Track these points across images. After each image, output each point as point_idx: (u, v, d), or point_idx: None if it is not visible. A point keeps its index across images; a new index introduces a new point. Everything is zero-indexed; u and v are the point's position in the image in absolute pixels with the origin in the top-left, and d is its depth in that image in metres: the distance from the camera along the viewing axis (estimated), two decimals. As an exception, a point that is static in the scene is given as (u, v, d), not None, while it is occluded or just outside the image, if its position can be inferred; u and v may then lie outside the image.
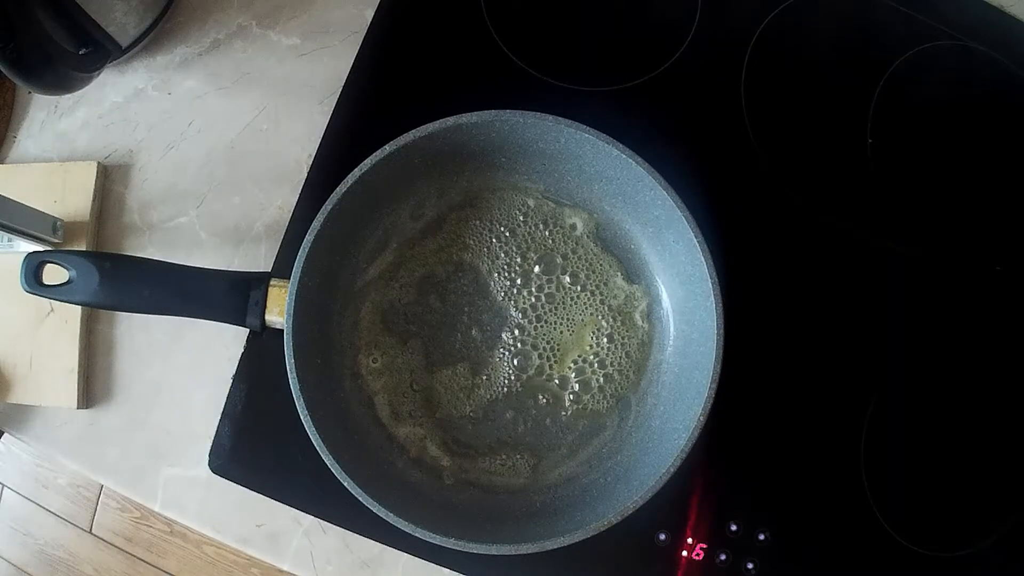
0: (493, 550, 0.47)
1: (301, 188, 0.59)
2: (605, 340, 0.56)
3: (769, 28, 0.62)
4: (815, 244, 0.60)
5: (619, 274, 0.56)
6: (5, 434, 0.59)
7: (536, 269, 0.56)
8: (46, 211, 0.57)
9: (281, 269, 0.55)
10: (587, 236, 0.57)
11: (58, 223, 0.58)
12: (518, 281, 0.56)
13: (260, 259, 0.60)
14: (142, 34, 0.60)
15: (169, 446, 0.57)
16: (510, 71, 0.61)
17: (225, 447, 0.56)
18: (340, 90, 0.61)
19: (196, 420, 0.57)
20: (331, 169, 0.57)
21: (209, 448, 0.56)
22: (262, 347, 0.57)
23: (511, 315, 0.56)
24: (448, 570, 0.55)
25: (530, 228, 0.57)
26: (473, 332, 0.56)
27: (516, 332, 0.56)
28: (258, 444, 0.56)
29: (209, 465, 0.56)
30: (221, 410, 0.56)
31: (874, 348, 0.58)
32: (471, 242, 0.57)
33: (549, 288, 0.56)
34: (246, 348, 0.57)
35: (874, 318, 0.59)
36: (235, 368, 0.57)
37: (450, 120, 0.50)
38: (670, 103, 0.61)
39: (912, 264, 0.60)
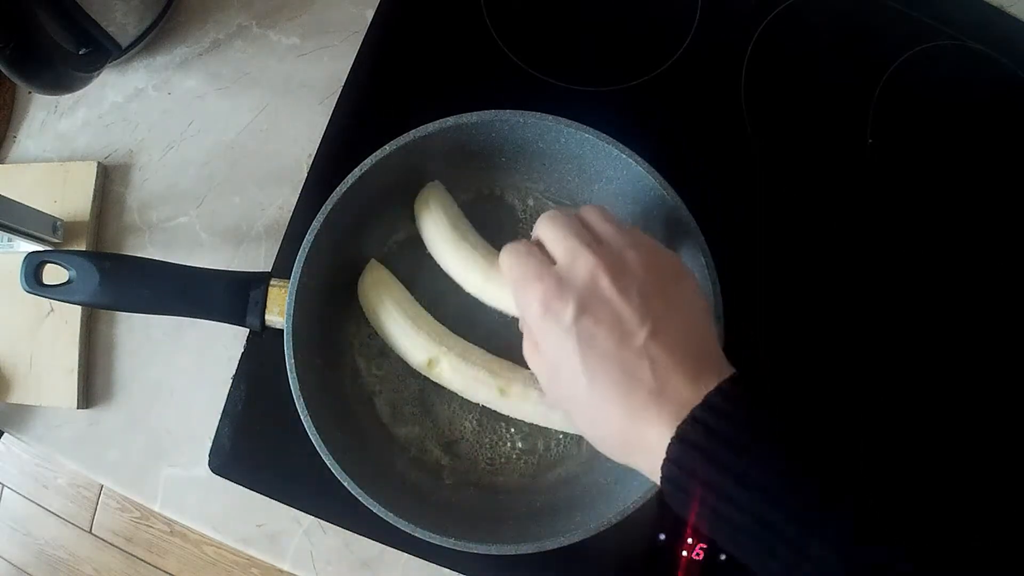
0: (493, 550, 0.47)
1: (301, 188, 0.59)
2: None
3: (769, 28, 0.62)
4: (815, 244, 0.60)
5: (619, 274, 0.56)
6: (5, 434, 0.59)
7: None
8: (46, 211, 0.57)
9: (281, 269, 0.56)
10: (587, 236, 0.57)
11: (58, 223, 0.58)
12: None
13: (260, 259, 0.60)
14: (142, 34, 0.60)
15: (169, 446, 0.57)
16: (510, 71, 0.61)
17: (225, 447, 0.56)
18: (340, 90, 0.61)
19: (196, 420, 0.57)
20: (331, 169, 0.57)
21: (209, 448, 0.56)
22: (262, 347, 0.57)
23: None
24: (448, 570, 0.55)
25: (530, 228, 0.57)
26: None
27: (517, 332, 0.56)
28: (258, 444, 0.56)
29: (209, 465, 0.56)
30: (221, 410, 0.56)
31: (875, 347, 0.58)
32: (471, 242, 0.57)
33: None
34: (246, 348, 0.57)
35: (874, 317, 0.59)
36: (235, 368, 0.57)
37: (450, 120, 0.50)
38: (670, 103, 0.61)
39: (912, 264, 0.60)
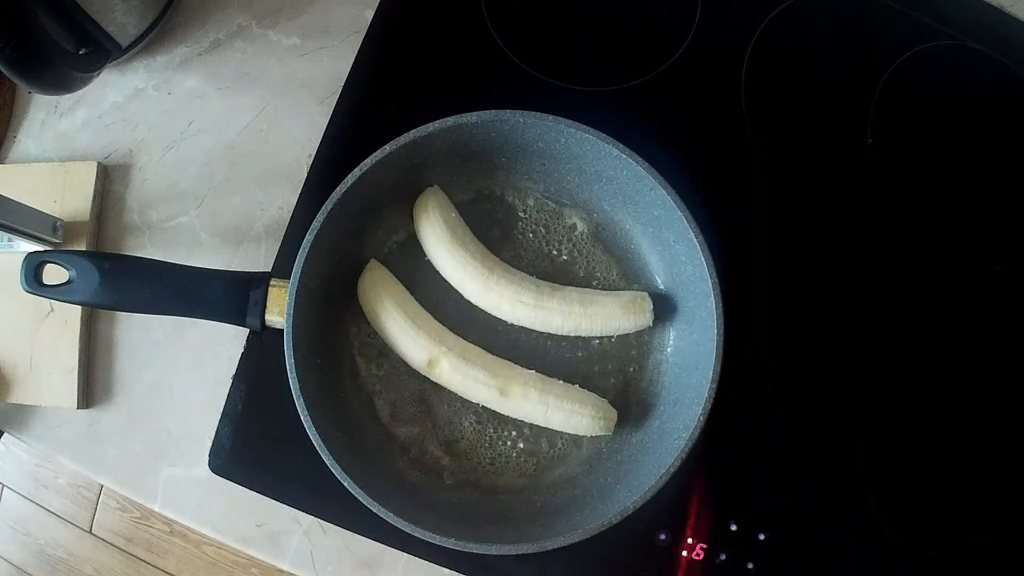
0: (493, 550, 0.47)
1: (301, 188, 0.59)
2: (606, 340, 0.56)
3: (769, 28, 0.62)
4: (815, 244, 0.60)
5: (619, 274, 0.56)
6: (5, 434, 0.59)
7: (535, 269, 0.56)
8: (46, 211, 0.57)
9: (281, 269, 0.55)
10: (587, 236, 0.57)
11: (58, 223, 0.58)
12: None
13: (260, 259, 0.60)
14: (142, 34, 0.60)
15: (169, 446, 0.57)
16: (510, 71, 0.61)
17: (225, 447, 0.56)
18: (340, 90, 0.61)
19: (196, 420, 0.57)
20: (331, 169, 0.57)
21: (209, 448, 0.56)
22: (262, 347, 0.57)
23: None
24: (448, 570, 0.55)
25: (531, 228, 0.57)
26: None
27: (516, 331, 0.56)
28: (258, 444, 0.56)
29: (209, 465, 0.56)
30: (221, 410, 0.56)
31: (875, 347, 0.58)
32: (471, 242, 0.57)
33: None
34: (246, 348, 0.57)
35: (874, 317, 0.59)
36: (235, 368, 0.57)
37: (450, 120, 0.50)
38: (670, 103, 0.61)
39: (912, 264, 0.60)
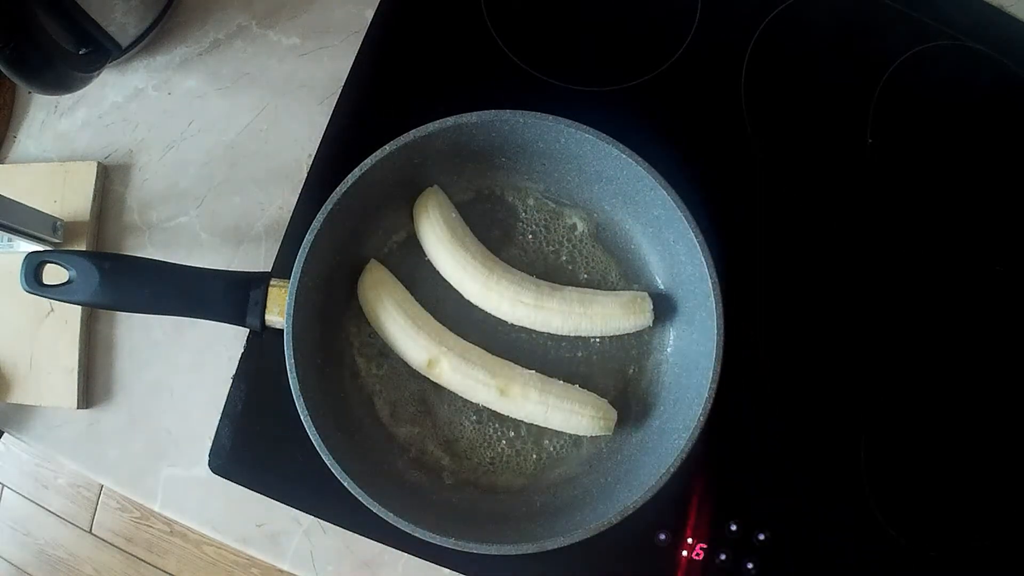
0: (493, 550, 0.47)
1: (301, 188, 0.59)
2: (606, 340, 0.56)
3: (769, 28, 0.62)
4: (815, 244, 0.60)
5: (619, 274, 0.56)
6: (5, 434, 0.59)
7: (535, 269, 0.56)
8: (46, 211, 0.57)
9: (281, 269, 0.55)
10: (587, 236, 0.57)
11: (58, 223, 0.58)
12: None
13: (260, 259, 0.60)
14: (142, 34, 0.60)
15: (169, 446, 0.57)
16: (510, 71, 0.61)
17: (225, 447, 0.56)
18: (340, 90, 0.61)
19: (196, 420, 0.57)
20: (331, 169, 0.57)
21: (209, 448, 0.56)
22: (262, 347, 0.57)
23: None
24: (448, 570, 0.55)
25: (530, 229, 0.57)
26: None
27: (516, 331, 0.56)
28: (258, 444, 0.56)
29: (209, 465, 0.56)
30: (221, 410, 0.56)
31: (875, 346, 0.58)
32: (471, 242, 0.57)
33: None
34: (246, 348, 0.57)
35: (874, 316, 0.59)
36: (235, 368, 0.57)
37: (450, 120, 0.50)
38: (670, 103, 0.61)
39: (912, 264, 0.60)
